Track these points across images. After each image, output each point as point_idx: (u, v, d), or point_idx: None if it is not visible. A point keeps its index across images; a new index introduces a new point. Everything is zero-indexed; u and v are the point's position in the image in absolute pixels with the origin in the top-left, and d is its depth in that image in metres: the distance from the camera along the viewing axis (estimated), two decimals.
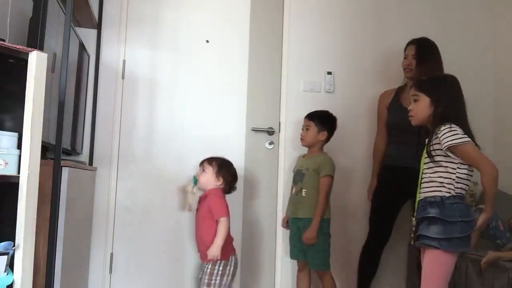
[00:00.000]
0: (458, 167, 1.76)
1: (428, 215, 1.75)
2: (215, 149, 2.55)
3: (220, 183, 2.26)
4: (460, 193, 1.75)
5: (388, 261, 2.70)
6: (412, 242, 1.85)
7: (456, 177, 1.75)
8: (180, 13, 2.73)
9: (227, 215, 2.17)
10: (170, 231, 2.61)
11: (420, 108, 1.85)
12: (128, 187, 2.60)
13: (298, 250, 2.42)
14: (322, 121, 2.44)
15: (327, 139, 2.46)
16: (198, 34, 2.74)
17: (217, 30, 2.76)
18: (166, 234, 2.60)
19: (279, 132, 2.78)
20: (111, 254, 2.55)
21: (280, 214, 2.71)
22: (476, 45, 3.08)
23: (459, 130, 1.73)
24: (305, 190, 2.37)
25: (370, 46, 2.92)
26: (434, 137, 1.78)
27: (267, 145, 2.76)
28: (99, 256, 2.54)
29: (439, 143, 1.75)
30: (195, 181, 2.31)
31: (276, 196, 2.74)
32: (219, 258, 2.12)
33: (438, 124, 1.77)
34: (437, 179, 1.78)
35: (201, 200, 2.27)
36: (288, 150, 2.76)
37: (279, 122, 2.78)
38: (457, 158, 1.75)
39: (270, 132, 2.77)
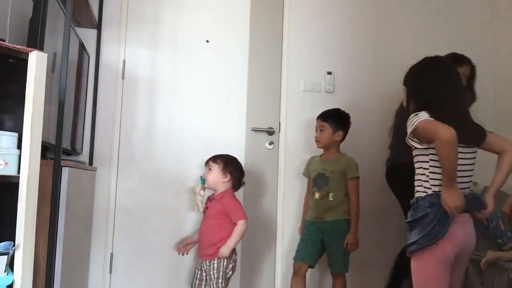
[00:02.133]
0: (430, 159, 1.61)
1: (407, 220, 1.67)
2: (215, 149, 2.55)
3: (227, 179, 2.26)
4: (438, 191, 1.59)
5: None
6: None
7: (430, 172, 1.62)
8: (180, 13, 2.73)
9: (246, 218, 2.19)
10: (170, 231, 2.61)
11: (405, 101, 1.78)
12: (128, 187, 2.60)
13: (308, 253, 2.37)
14: (336, 120, 2.40)
15: (343, 138, 2.43)
16: (198, 34, 2.74)
17: (217, 30, 2.76)
18: (166, 234, 2.60)
19: (279, 132, 2.78)
20: (111, 254, 2.55)
21: (281, 214, 2.72)
22: (476, 45, 3.08)
23: (421, 114, 1.59)
24: (332, 194, 2.34)
25: (370, 46, 2.93)
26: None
27: (267, 145, 2.76)
28: (99, 256, 2.53)
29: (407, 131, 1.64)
30: (203, 181, 2.31)
31: (276, 196, 2.74)
32: (226, 257, 2.14)
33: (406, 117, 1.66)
34: (416, 179, 1.69)
35: (212, 199, 2.28)
36: (288, 150, 2.76)
37: (279, 122, 2.78)
38: (426, 149, 1.61)
39: (270, 132, 2.77)
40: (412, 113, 1.65)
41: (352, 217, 2.31)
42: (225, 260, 2.16)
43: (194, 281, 2.25)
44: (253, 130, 2.75)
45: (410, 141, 1.65)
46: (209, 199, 2.31)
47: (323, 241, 2.36)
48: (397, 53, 2.94)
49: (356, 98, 2.85)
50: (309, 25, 2.86)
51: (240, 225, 2.17)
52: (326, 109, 2.61)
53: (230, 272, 2.20)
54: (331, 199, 2.33)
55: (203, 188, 2.33)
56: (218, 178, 2.26)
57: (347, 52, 2.89)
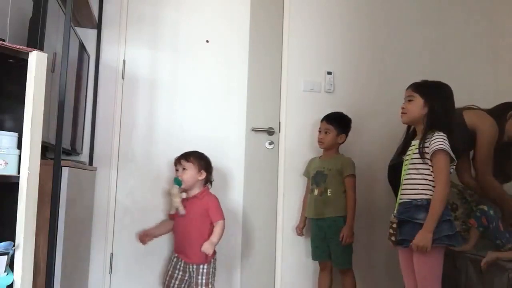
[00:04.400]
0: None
1: (417, 221, 1.80)
2: (215, 149, 2.55)
3: (203, 176, 2.29)
4: None
5: (385, 260, 2.71)
6: (394, 239, 1.90)
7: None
8: (180, 13, 2.73)
9: (223, 217, 2.25)
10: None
11: (413, 107, 1.92)
12: (128, 187, 2.59)
13: (321, 251, 2.48)
14: (341, 124, 2.52)
15: (344, 141, 2.55)
16: (198, 34, 2.74)
17: (217, 30, 2.76)
18: (166, 234, 2.60)
19: (279, 132, 2.77)
20: (111, 254, 2.55)
21: (281, 214, 2.71)
22: (476, 45, 3.08)
23: (445, 139, 1.81)
24: (330, 190, 2.43)
25: (370, 46, 2.93)
26: (426, 139, 1.83)
27: (267, 145, 2.76)
28: (99, 256, 2.53)
29: (428, 147, 1.81)
30: (179, 182, 2.27)
31: (276, 196, 2.74)
32: (209, 254, 2.15)
33: (431, 127, 1.84)
34: (422, 181, 1.83)
35: (190, 199, 2.28)
36: (288, 150, 2.76)
37: (279, 122, 2.78)
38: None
39: (270, 132, 2.77)
40: (429, 124, 1.86)
41: (348, 211, 2.41)
42: (215, 264, 2.23)
43: (172, 281, 2.25)
44: (253, 130, 2.75)
45: (424, 154, 1.83)
46: (188, 200, 2.29)
47: (326, 237, 2.45)
48: (397, 53, 2.95)
49: (356, 98, 2.85)
50: (309, 25, 2.86)
51: (220, 224, 2.21)
52: (326, 109, 2.65)
53: (215, 272, 2.27)
54: (329, 195, 2.43)
55: (181, 190, 2.28)
56: (194, 176, 2.27)
57: (347, 52, 2.89)
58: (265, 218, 2.73)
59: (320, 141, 2.54)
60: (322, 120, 2.56)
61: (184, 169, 2.28)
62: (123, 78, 2.64)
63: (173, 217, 2.34)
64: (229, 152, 2.61)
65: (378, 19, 2.96)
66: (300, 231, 2.61)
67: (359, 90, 2.88)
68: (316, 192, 2.48)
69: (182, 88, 2.70)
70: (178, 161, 2.32)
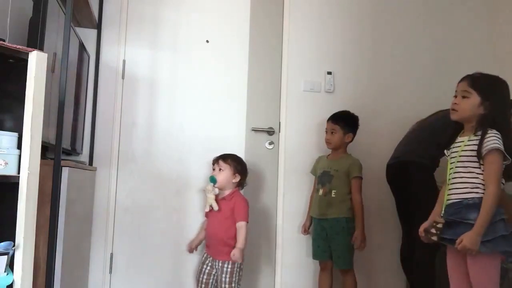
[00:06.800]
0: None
1: (469, 221, 1.66)
2: (215, 149, 2.55)
3: (237, 179, 2.33)
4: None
5: (387, 260, 2.71)
6: (436, 239, 1.76)
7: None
8: (180, 13, 2.73)
9: (247, 220, 2.26)
10: (170, 231, 2.61)
11: (467, 106, 1.77)
12: (128, 187, 2.60)
13: (322, 250, 2.47)
14: (348, 123, 2.50)
15: (352, 140, 2.53)
16: (198, 34, 2.74)
17: (217, 30, 2.76)
18: (166, 234, 2.60)
19: (279, 132, 2.77)
20: (111, 254, 2.55)
21: (281, 214, 2.71)
22: (475, 45, 3.08)
23: (499, 138, 1.69)
24: (334, 191, 2.42)
25: (370, 46, 2.93)
26: (484, 138, 1.70)
27: (267, 145, 2.76)
28: (99, 256, 2.54)
29: (481, 145, 1.69)
30: (214, 180, 2.31)
31: (276, 196, 2.74)
32: (239, 261, 2.19)
33: (485, 126, 1.71)
34: (472, 180, 1.71)
35: (221, 200, 2.31)
36: (288, 150, 2.76)
37: (279, 122, 2.78)
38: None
39: (270, 132, 2.76)
40: (485, 124, 1.72)
41: (356, 215, 2.40)
42: (238, 264, 2.23)
43: (201, 275, 2.28)
44: (253, 130, 2.75)
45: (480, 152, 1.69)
46: (221, 200, 2.33)
47: (327, 237, 2.45)
48: (397, 53, 2.95)
49: (356, 98, 2.85)
50: (309, 25, 2.86)
51: (243, 226, 2.22)
52: (326, 109, 2.65)
53: (241, 274, 2.28)
54: (334, 196, 2.42)
55: (214, 188, 2.32)
56: (229, 178, 2.32)
57: (347, 52, 2.89)
58: (265, 218, 2.73)
59: (327, 142, 2.53)
60: (328, 120, 2.55)
61: (220, 169, 2.33)
62: (123, 78, 2.64)
63: (207, 215, 2.36)
64: (229, 152, 2.60)
65: (378, 19, 2.96)
66: (305, 230, 2.59)
67: (359, 90, 2.88)
68: (320, 192, 2.47)
69: (182, 88, 2.70)
70: (216, 161, 2.37)
